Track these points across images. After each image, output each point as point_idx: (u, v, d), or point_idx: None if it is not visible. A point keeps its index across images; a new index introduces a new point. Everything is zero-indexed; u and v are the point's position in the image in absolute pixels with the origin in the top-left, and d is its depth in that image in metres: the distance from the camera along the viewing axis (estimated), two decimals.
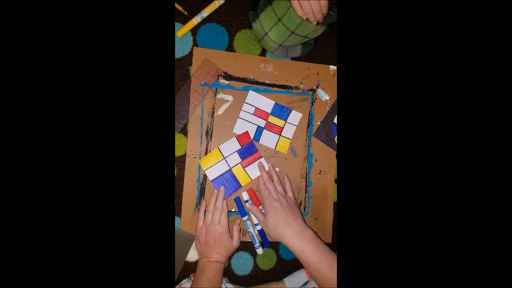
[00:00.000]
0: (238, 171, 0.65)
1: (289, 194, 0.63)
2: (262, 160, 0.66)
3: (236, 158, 0.65)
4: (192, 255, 0.66)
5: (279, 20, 0.57)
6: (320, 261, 0.53)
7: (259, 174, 0.65)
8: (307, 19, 0.54)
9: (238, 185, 0.65)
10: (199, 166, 0.65)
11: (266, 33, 0.59)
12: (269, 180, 0.62)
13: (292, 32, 0.57)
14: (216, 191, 0.64)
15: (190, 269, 0.65)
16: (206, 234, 0.61)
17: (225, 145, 0.65)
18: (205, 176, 0.65)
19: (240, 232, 0.65)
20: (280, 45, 0.60)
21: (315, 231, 0.58)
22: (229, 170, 0.65)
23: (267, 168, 0.66)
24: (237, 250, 0.67)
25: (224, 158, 0.65)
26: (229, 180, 0.65)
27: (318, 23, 0.55)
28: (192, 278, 0.62)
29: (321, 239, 0.57)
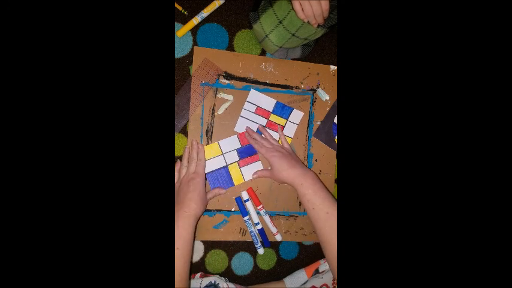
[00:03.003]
0: (233, 170, 0.65)
1: (285, 145, 0.66)
2: (250, 129, 0.66)
3: (234, 156, 0.65)
4: (193, 255, 0.66)
5: (280, 22, 0.57)
6: (315, 194, 0.57)
7: (253, 176, 0.66)
8: (308, 22, 0.54)
9: (231, 183, 0.65)
10: None
11: (267, 36, 0.59)
12: (262, 138, 0.64)
13: (293, 35, 0.57)
14: (188, 146, 0.64)
15: (191, 269, 0.65)
16: (179, 187, 0.60)
17: (225, 141, 0.65)
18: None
19: (214, 194, 0.63)
20: (281, 47, 0.60)
21: (316, 174, 0.62)
22: (225, 167, 0.65)
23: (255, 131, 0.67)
24: (237, 250, 0.67)
25: (222, 153, 0.65)
26: (223, 176, 0.65)
27: (318, 26, 0.55)
28: (192, 279, 0.62)
29: (321, 181, 0.61)
